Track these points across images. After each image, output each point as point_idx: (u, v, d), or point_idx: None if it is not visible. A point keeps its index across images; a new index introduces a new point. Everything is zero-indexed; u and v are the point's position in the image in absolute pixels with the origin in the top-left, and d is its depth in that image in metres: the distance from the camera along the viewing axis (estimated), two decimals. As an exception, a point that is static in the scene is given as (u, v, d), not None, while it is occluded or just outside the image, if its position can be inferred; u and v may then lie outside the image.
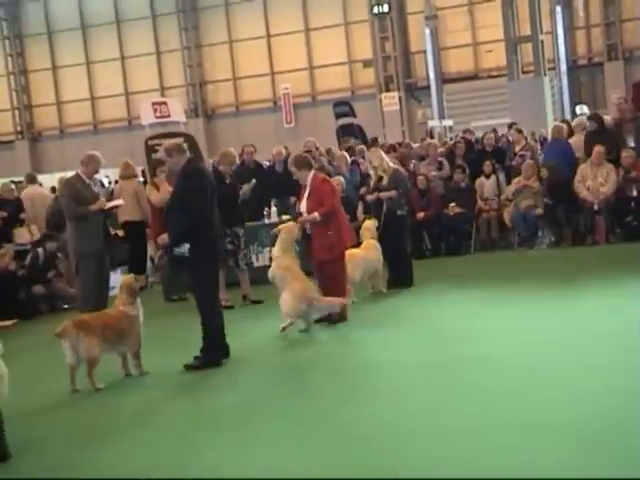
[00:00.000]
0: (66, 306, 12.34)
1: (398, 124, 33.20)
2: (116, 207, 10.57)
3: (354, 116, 23.11)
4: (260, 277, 10.61)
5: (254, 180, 12.28)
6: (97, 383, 7.65)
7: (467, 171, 14.89)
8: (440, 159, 15.43)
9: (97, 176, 12.22)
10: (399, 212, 11.42)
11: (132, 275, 8.46)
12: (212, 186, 8.43)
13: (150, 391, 7.64)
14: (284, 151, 15.14)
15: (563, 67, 31.88)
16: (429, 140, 18.58)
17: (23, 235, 13.34)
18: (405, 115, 33.96)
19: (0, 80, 39.12)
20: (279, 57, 35.84)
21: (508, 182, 14.79)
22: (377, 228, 11.22)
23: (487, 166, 14.75)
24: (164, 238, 9.48)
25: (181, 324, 8.34)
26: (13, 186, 14.64)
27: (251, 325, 9.80)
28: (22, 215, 13.60)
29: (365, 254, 10.78)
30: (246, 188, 11.73)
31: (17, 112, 39.14)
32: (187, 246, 7.92)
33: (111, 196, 13.79)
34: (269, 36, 35.85)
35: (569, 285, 10.35)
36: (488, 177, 14.74)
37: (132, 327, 7.93)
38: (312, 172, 9.68)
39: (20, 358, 9.76)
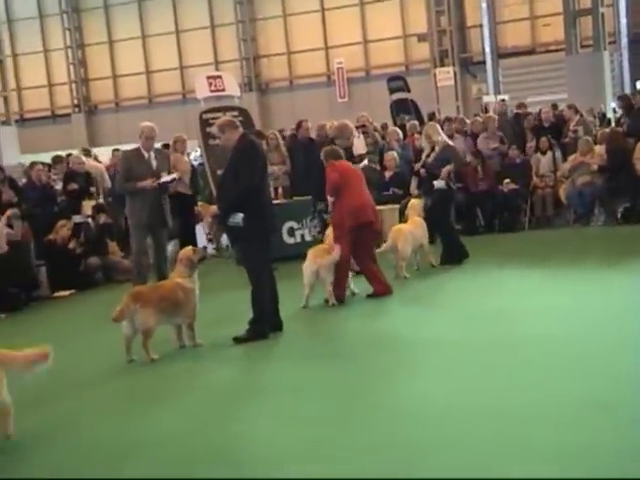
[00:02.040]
0: (121, 278, 12.51)
1: (452, 99, 32.86)
2: (171, 181, 10.38)
3: (408, 91, 22.89)
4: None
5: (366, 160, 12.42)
6: (152, 354, 7.77)
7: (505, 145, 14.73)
8: (500, 134, 15.22)
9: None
10: (449, 187, 11.37)
11: (191, 247, 8.52)
12: (264, 161, 8.48)
13: (200, 362, 7.72)
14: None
15: (624, 41, 31.22)
16: (488, 114, 18.31)
17: (90, 208, 13.49)
18: (460, 90, 33.59)
19: (58, 54, 39.63)
20: (333, 31, 35.69)
21: (564, 159, 14.57)
22: (425, 206, 11.20)
23: (543, 142, 14.54)
24: (215, 210, 9.58)
25: (244, 296, 8.40)
26: (84, 159, 14.68)
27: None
28: (92, 189, 13.67)
29: (412, 229, 10.77)
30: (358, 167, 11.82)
31: (74, 86, 39.62)
32: (241, 216, 7.99)
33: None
34: (323, 10, 35.69)
35: (626, 263, 10.20)
36: (544, 153, 14.55)
37: (188, 299, 8.00)
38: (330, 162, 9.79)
39: (76, 329, 10.02)
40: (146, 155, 10.08)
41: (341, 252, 9.34)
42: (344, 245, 9.44)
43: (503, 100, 18.34)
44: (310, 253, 9.55)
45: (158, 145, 11.46)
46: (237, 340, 8.10)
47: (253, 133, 11.55)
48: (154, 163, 10.15)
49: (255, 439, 5.52)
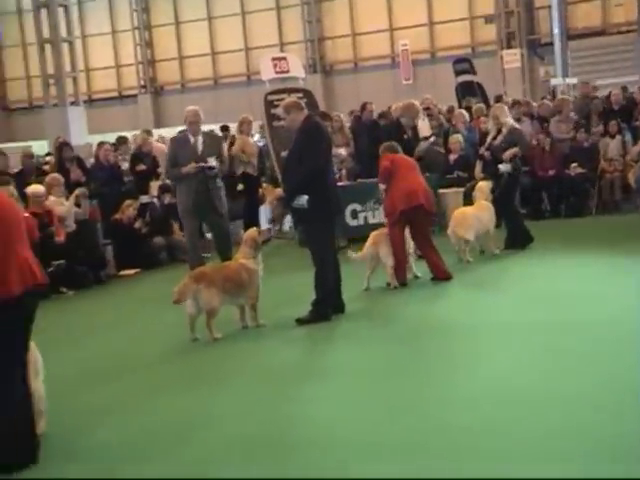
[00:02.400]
0: (184, 257, 12.64)
1: (519, 82, 32.33)
2: (210, 167, 9.80)
3: (474, 73, 22.61)
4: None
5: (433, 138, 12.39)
6: (215, 333, 7.86)
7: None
8: (575, 117, 14.94)
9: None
10: (514, 171, 11.24)
11: (255, 229, 8.58)
12: (328, 143, 8.49)
13: (262, 342, 7.80)
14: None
15: (697, 22, 30.34)
16: (562, 96, 17.94)
17: (156, 189, 13.65)
18: (527, 73, 33.04)
19: (125, 35, 40.06)
20: (398, 13, 35.37)
21: (635, 142, 14.26)
22: (492, 189, 11.08)
23: (612, 126, 14.25)
24: (279, 192, 9.61)
25: (307, 278, 8.45)
26: (152, 138, 14.64)
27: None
28: (159, 169, 13.79)
29: (477, 213, 10.67)
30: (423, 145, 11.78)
31: (141, 67, 40.02)
32: (305, 198, 8.02)
33: (230, 147, 13.99)
34: (389, -9, 35.43)
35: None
36: (613, 137, 14.25)
37: (251, 280, 8.08)
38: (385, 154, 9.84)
39: (141, 307, 10.18)
40: (192, 140, 9.94)
41: (394, 237, 9.42)
42: (397, 230, 9.47)
43: (586, 83, 17.88)
44: (371, 236, 9.57)
45: (215, 127, 11.52)
46: (299, 321, 8.15)
47: (318, 115, 11.57)
48: (200, 148, 9.92)
49: (312, 421, 5.54)
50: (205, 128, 17.22)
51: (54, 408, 5.70)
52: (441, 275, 9.58)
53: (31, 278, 5.11)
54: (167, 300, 8.01)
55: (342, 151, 13.82)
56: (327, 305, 8.25)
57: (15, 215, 5.23)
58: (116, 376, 7.04)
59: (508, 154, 11.08)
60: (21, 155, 14.63)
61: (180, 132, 11.04)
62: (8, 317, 4.98)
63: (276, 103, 13.98)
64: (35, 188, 11.54)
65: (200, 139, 10.00)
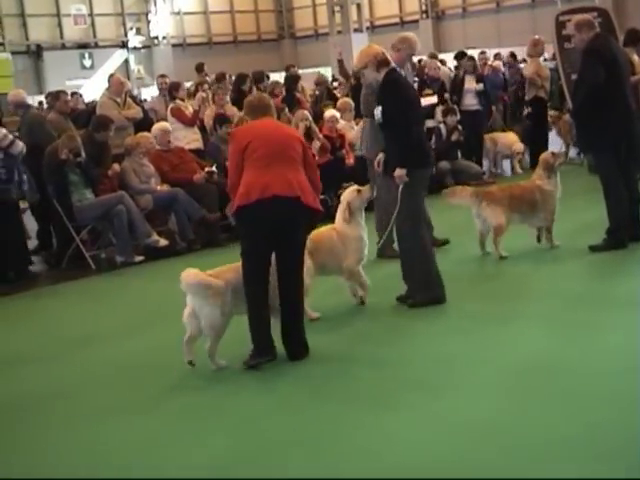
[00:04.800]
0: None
1: None
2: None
3: None
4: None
5: None
6: (501, 250, 8.03)
7: None
8: None
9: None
10: None
11: (550, 151, 8.53)
12: (617, 64, 7.92)
13: (555, 265, 7.72)
14: None
15: None
16: None
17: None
18: None
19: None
20: None
21: None
22: None
23: None
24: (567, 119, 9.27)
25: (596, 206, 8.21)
26: (439, 64, 14.38)
27: None
28: (445, 95, 13.70)
29: None
30: None
31: (422, -9, 39.94)
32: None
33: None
34: None
35: None
36: None
37: (545, 202, 8.07)
38: None
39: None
40: None
41: None
42: None
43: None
44: None
45: (502, 51, 11.10)
46: (593, 249, 7.94)
47: (614, 36, 10.96)
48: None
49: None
50: (489, 52, 16.86)
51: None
52: None
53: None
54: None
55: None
56: (623, 233, 7.95)
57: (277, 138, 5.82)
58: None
59: None
60: (314, 81, 15.21)
61: None
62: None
63: (567, 24, 13.45)
64: (330, 113, 12.00)
65: None
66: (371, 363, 5.62)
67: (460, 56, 15.15)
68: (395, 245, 7.41)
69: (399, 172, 6.52)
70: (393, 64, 6.86)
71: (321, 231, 6.85)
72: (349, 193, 6.98)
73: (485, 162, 13.80)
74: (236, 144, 5.90)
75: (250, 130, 5.97)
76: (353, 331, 6.38)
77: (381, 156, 7.01)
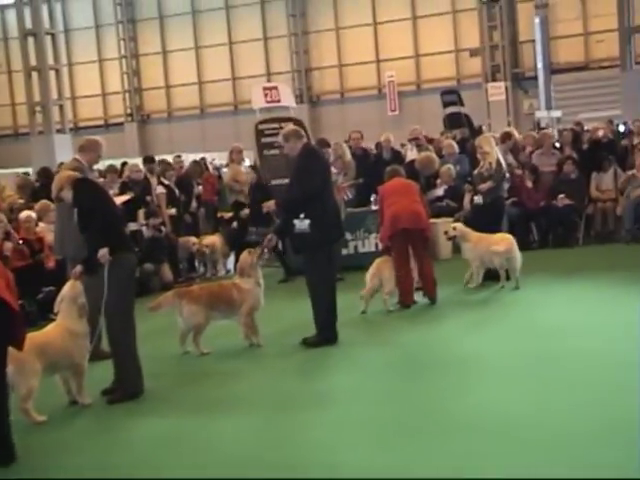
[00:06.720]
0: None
1: (504, 114, 32.71)
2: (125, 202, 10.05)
3: (462, 105, 22.85)
4: (365, 263, 10.63)
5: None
6: (202, 348, 8.19)
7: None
8: (553, 151, 15.14)
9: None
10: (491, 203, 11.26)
11: (247, 250, 8.73)
12: (326, 167, 8.63)
13: (262, 363, 7.84)
14: (392, 138, 15.08)
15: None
16: (544, 130, 18.20)
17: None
18: (511, 105, 33.45)
19: (112, 64, 40.22)
20: (385, 45, 35.78)
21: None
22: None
23: (605, 162, 14.36)
24: (271, 205, 9.68)
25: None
26: (142, 167, 14.34)
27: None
28: (147, 197, 13.64)
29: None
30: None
31: (127, 95, 40.17)
32: (307, 222, 8.05)
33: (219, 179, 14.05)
34: (376, 24, 35.82)
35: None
36: (606, 171, 14.40)
37: (243, 300, 8.27)
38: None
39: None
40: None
41: (394, 261, 9.71)
42: (395, 253, 9.76)
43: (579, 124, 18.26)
44: (375, 264, 9.86)
45: (203, 155, 11.61)
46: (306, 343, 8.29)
47: (318, 142, 11.63)
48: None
49: (312, 445, 5.56)
50: (192, 157, 17.25)
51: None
52: (407, 300, 9.80)
53: None
54: (159, 329, 8.04)
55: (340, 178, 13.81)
56: (331, 330, 8.29)
57: None
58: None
59: (483, 187, 11.11)
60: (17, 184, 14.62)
61: None
62: None
63: (267, 132, 14.06)
64: (26, 214, 11.52)
65: None
66: None
67: (149, 160, 14.90)
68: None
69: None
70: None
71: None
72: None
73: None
74: None
75: None
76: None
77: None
